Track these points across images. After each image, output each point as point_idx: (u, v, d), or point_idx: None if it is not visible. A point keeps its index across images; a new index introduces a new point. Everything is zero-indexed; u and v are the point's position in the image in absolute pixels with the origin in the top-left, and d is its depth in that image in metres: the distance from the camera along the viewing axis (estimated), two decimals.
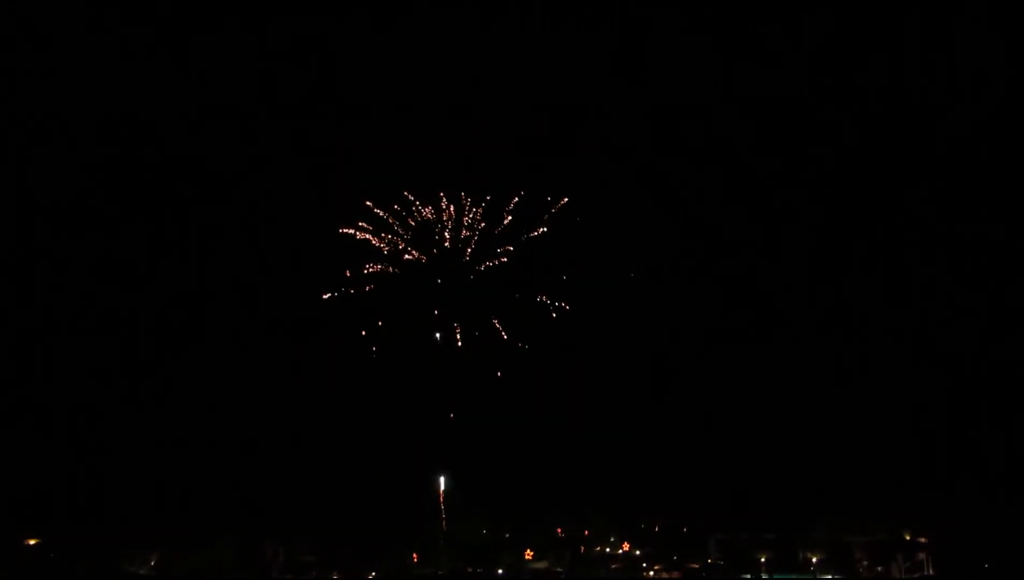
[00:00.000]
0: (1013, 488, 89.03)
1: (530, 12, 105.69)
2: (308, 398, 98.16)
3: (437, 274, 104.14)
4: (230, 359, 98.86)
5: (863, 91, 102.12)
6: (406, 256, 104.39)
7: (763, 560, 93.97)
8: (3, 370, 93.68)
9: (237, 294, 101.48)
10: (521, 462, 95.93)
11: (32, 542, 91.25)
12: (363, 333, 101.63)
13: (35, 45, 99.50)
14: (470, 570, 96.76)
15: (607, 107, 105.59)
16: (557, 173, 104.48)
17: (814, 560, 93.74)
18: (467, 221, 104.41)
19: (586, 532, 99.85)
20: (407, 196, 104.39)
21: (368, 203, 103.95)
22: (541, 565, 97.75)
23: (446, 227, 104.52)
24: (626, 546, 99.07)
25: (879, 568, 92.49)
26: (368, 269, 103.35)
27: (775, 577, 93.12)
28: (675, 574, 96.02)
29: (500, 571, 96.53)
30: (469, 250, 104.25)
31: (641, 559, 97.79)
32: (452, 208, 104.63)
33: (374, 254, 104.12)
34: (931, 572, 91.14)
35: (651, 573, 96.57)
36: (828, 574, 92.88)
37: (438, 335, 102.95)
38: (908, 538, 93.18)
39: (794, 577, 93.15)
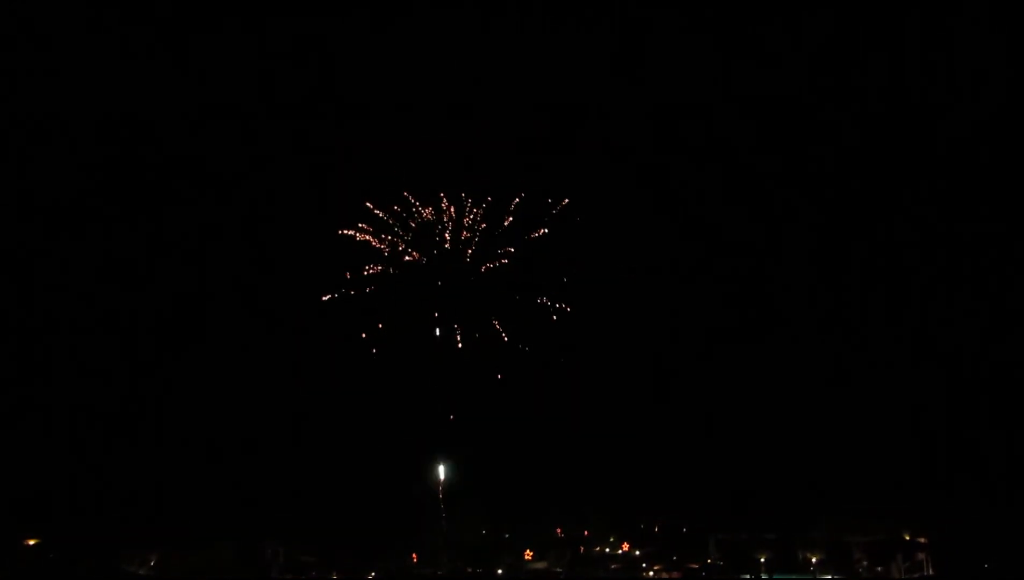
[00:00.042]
0: (1013, 488, 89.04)
1: (530, 12, 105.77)
2: (308, 398, 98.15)
3: (437, 275, 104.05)
4: (230, 359, 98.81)
5: (863, 91, 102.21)
6: (406, 257, 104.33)
7: (763, 560, 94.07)
8: (3, 370, 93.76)
9: (237, 294, 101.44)
10: (521, 462, 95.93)
11: (32, 542, 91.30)
12: (363, 335, 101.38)
13: (35, 45, 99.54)
14: (470, 570, 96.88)
15: (607, 107, 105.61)
16: (557, 173, 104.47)
17: (814, 560, 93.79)
18: (468, 222, 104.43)
19: (586, 532, 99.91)
20: (407, 197, 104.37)
21: (368, 204, 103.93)
22: (541, 565, 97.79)
23: (446, 228, 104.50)
24: (626, 546, 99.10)
25: (879, 568, 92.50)
26: (368, 270, 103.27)
27: (775, 577, 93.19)
28: (675, 574, 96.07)
29: (500, 571, 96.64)
30: (470, 251, 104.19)
31: (641, 559, 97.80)
32: (452, 209, 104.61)
33: (374, 255, 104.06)
34: (931, 572, 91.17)
35: (651, 573, 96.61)
36: (828, 574, 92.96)
37: (438, 333, 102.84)
38: (908, 538, 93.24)
39: (794, 577, 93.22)
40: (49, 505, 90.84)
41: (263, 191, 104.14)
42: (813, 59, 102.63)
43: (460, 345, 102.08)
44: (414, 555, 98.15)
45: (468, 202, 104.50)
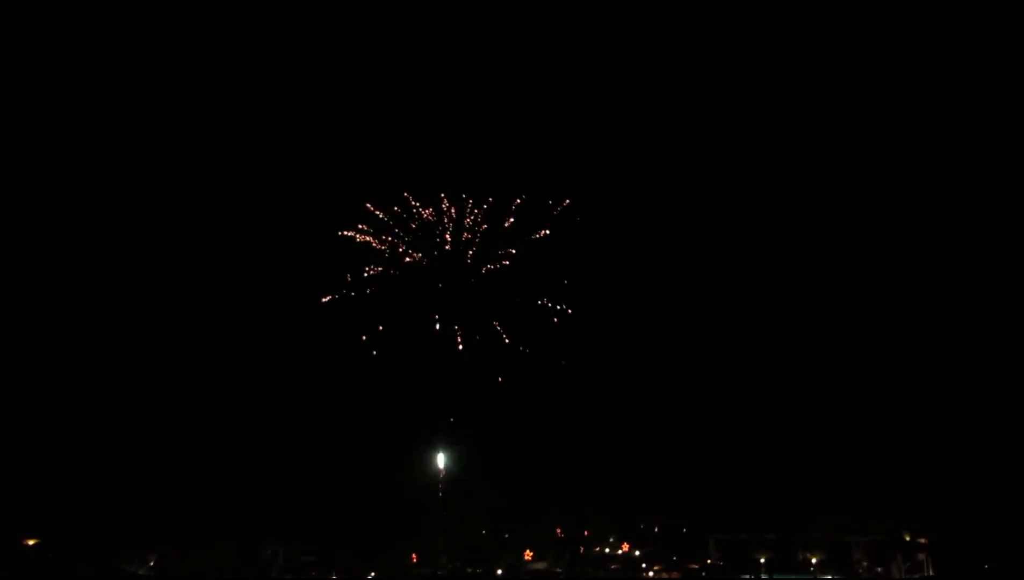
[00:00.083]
0: (1013, 488, 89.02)
1: (530, 12, 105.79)
2: (308, 399, 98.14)
3: (437, 276, 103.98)
4: (230, 360, 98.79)
5: (863, 91, 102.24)
6: (407, 258, 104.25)
7: (763, 560, 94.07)
8: (3, 370, 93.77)
9: (237, 294, 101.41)
10: (521, 462, 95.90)
11: (32, 542, 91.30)
12: (364, 338, 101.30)
13: (35, 45, 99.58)
14: (470, 570, 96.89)
15: (607, 107, 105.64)
16: (557, 173, 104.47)
17: (813, 560, 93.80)
18: (468, 223, 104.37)
19: (586, 532, 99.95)
20: (407, 197, 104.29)
21: (368, 205, 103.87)
22: (540, 565, 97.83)
23: (447, 229, 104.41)
24: (625, 546, 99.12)
25: (879, 568, 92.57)
26: (369, 271, 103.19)
27: (775, 577, 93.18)
28: (675, 574, 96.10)
29: (499, 571, 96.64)
30: (470, 252, 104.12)
31: (641, 559, 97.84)
32: (453, 209, 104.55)
33: (374, 255, 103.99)
34: (931, 572, 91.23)
35: (651, 573, 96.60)
36: (828, 574, 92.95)
37: (438, 335, 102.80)
38: (908, 538, 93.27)
39: (793, 577, 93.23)
40: (49, 505, 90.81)
41: (263, 191, 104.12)
42: (813, 59, 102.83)
43: (460, 346, 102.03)
44: (414, 555, 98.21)
45: (469, 203, 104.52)
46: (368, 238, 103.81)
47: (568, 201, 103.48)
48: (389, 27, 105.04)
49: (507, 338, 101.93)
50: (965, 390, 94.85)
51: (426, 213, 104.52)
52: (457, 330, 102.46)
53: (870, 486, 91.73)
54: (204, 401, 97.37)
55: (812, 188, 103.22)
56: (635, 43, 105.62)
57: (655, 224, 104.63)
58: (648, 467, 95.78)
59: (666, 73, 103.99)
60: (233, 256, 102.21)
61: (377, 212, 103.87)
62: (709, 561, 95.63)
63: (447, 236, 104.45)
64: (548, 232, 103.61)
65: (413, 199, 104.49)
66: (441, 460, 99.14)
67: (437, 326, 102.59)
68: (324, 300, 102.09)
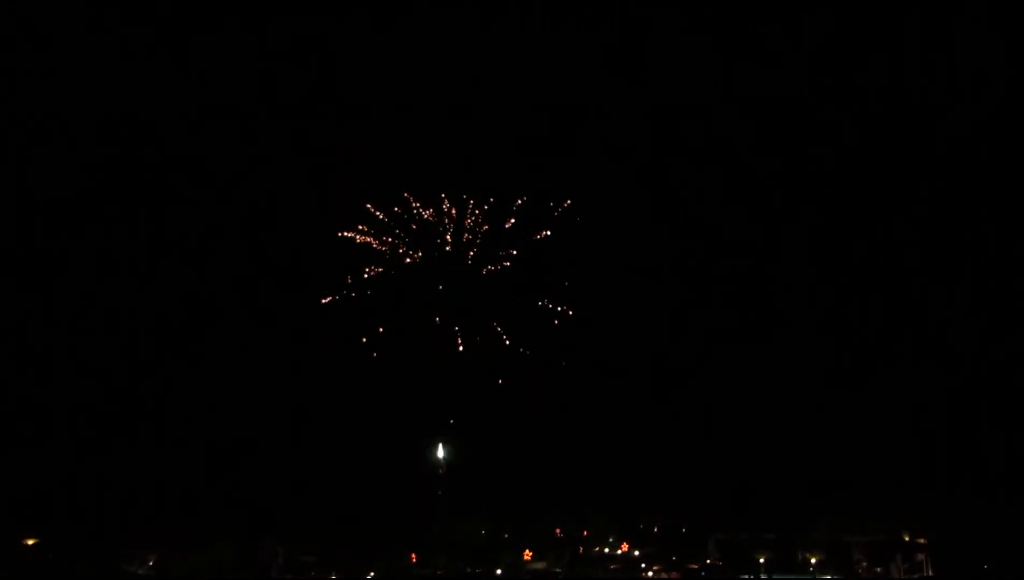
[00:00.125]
0: (1013, 488, 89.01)
1: (530, 12, 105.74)
2: (308, 399, 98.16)
3: (438, 276, 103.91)
4: (230, 360, 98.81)
5: (863, 91, 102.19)
6: (407, 259, 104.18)
7: (762, 560, 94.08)
8: (3, 370, 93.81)
9: (237, 294, 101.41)
10: (521, 462, 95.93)
11: (31, 542, 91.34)
12: (364, 340, 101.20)
13: (35, 45, 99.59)
14: (469, 570, 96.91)
15: (607, 107, 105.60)
16: (557, 173, 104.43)
17: (813, 561, 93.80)
18: (469, 224, 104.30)
19: (585, 532, 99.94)
20: (407, 197, 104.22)
21: (368, 206, 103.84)
22: (540, 565, 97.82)
23: (447, 229, 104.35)
24: (625, 546, 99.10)
25: (878, 569, 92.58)
26: (369, 272, 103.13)
27: (774, 577, 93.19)
28: (674, 574, 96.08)
29: (499, 571, 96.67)
30: (471, 253, 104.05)
31: (640, 559, 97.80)
32: (453, 210, 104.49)
33: (375, 256, 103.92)
34: (930, 573, 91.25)
35: (650, 573, 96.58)
36: (827, 574, 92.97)
37: (438, 333, 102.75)
38: (907, 538, 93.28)
39: (793, 577, 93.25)
40: (49, 505, 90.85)
41: (263, 191, 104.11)
42: (813, 59, 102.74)
43: (461, 347, 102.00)
44: (414, 555, 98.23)
45: (470, 204, 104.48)
46: (368, 239, 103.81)
47: (569, 202, 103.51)
48: (389, 27, 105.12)
49: (507, 339, 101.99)
50: (965, 390, 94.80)
51: (426, 214, 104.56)
52: (457, 331, 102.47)
53: (870, 486, 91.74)
54: (204, 401, 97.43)
55: (812, 188, 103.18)
56: (635, 43, 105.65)
57: (655, 224, 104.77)
58: (648, 467, 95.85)
59: (666, 73, 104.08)
60: (233, 256, 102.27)
61: (377, 213, 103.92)
62: (708, 561, 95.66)
63: (447, 237, 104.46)
64: (549, 233, 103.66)
65: (413, 200, 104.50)
66: (441, 451, 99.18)
67: (437, 327, 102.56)
68: (324, 301, 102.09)
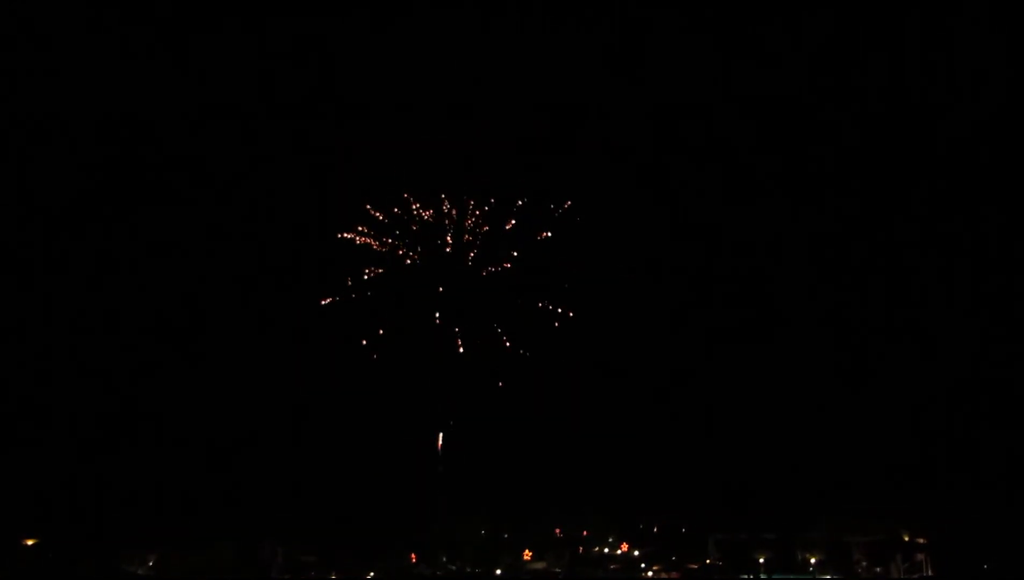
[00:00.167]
0: (1013, 488, 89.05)
1: (530, 12, 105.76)
2: (308, 399, 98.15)
3: (438, 277, 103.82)
4: (230, 360, 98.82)
5: (863, 91, 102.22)
6: (407, 261, 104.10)
7: (762, 560, 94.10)
8: (3, 370, 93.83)
9: (237, 294, 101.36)
10: (521, 462, 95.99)
11: (31, 542, 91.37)
12: (364, 342, 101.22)
13: (35, 45, 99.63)
14: (469, 570, 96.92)
15: (607, 107, 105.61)
16: (557, 173, 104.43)
17: (813, 560, 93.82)
18: (469, 225, 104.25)
19: (585, 532, 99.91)
20: (407, 198, 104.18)
21: (368, 207, 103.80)
22: (540, 565, 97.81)
23: (448, 230, 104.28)
24: (625, 546, 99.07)
25: (878, 568, 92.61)
26: (369, 273, 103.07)
27: (774, 577, 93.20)
28: (674, 574, 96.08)
29: (499, 571, 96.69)
30: (471, 254, 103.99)
31: (640, 559, 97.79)
32: (454, 211, 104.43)
33: (375, 257, 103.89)
34: (930, 572, 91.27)
35: (650, 573, 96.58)
36: (827, 574, 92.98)
37: (438, 334, 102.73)
38: (907, 538, 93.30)
39: (793, 577, 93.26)
40: (49, 505, 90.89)
41: (263, 191, 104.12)
42: (813, 59, 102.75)
43: (461, 349, 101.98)
44: (414, 555, 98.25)
45: (471, 204, 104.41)
46: (368, 240, 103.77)
47: (569, 202, 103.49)
48: (389, 27, 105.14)
49: (507, 340, 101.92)
50: (965, 390, 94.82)
51: (426, 214, 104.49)
52: (457, 331, 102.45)
53: (870, 486, 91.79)
54: (204, 401, 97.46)
55: (812, 188, 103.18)
56: (635, 43, 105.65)
57: (655, 224, 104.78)
58: (648, 467, 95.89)
59: (666, 73, 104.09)
60: (233, 256, 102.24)
61: (377, 214, 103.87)
62: (708, 561, 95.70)
63: (448, 238, 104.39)
64: (549, 234, 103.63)
65: (413, 200, 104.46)
66: (440, 441, 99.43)
67: (437, 327, 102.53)
68: (324, 302, 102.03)
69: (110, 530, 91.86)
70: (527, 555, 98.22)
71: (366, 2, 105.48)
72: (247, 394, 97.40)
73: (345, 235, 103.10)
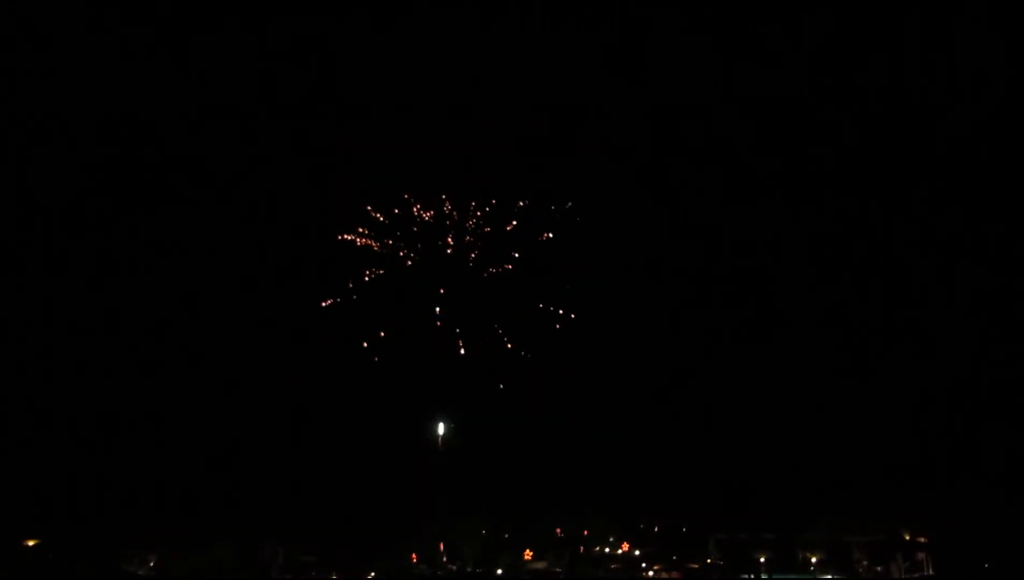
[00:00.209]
0: (1013, 488, 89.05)
1: (530, 12, 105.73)
2: (308, 399, 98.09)
3: (438, 278, 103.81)
4: (229, 360, 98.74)
5: (863, 91, 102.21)
6: (408, 262, 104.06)
7: (763, 560, 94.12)
8: (3, 370, 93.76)
9: (237, 294, 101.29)
10: (520, 462, 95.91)
11: (31, 542, 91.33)
12: (364, 344, 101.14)
13: (35, 45, 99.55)
14: (469, 570, 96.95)
15: (607, 107, 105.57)
16: (557, 173, 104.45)
17: (813, 560, 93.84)
18: (471, 225, 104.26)
19: (585, 532, 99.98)
20: (407, 198, 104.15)
21: (368, 208, 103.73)
22: (540, 565, 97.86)
23: (448, 231, 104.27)
24: (625, 546, 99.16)
25: (878, 568, 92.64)
26: (369, 274, 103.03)
27: (774, 577, 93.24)
28: (674, 574, 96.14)
29: (499, 571, 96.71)
30: (472, 255, 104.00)
31: (640, 559, 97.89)
32: (454, 212, 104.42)
33: (375, 258, 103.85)
34: (930, 572, 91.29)
35: (650, 573, 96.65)
36: (827, 574, 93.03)
37: (438, 335, 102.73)
38: (907, 538, 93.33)
39: (793, 577, 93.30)
40: (49, 505, 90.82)
41: (263, 191, 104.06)
42: (813, 59, 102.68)
43: (462, 350, 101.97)
44: (414, 555, 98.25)
45: (472, 205, 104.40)
46: (369, 241, 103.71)
47: (570, 203, 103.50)
48: (389, 27, 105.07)
49: (508, 341, 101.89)
50: (965, 389, 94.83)
51: (426, 215, 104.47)
52: (458, 332, 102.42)
53: (870, 486, 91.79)
54: (204, 401, 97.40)
55: (812, 188, 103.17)
56: (635, 43, 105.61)
57: (655, 224, 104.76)
58: (648, 467, 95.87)
59: (666, 73, 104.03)
60: (233, 256, 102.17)
61: (377, 215, 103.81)
62: (709, 561, 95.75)
63: (449, 239, 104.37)
64: (551, 235, 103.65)
65: (414, 201, 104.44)
66: (441, 429, 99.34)
67: (438, 328, 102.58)
68: (324, 304, 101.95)
69: (110, 530, 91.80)
70: (527, 555, 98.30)
71: (366, 2, 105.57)
72: (247, 394, 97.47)
73: (345, 236, 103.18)
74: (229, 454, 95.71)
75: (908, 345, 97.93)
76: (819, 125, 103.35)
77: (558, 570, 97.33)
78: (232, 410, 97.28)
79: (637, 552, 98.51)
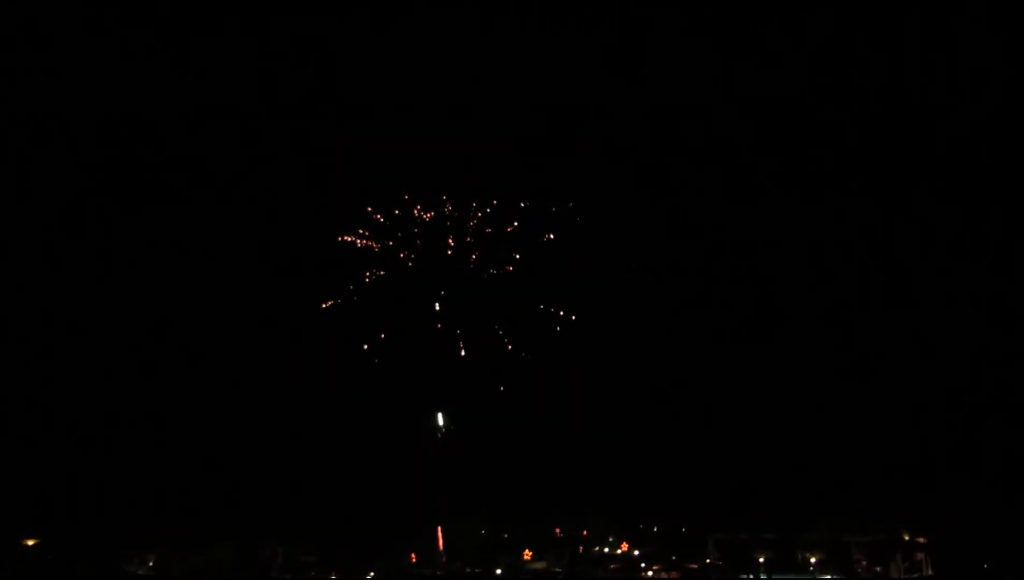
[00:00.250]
0: (1013, 488, 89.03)
1: (530, 12, 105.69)
2: (308, 399, 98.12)
3: (438, 279, 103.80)
4: (229, 359, 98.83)
5: (863, 91, 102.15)
6: (409, 263, 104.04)
7: (762, 560, 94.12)
8: (3, 370, 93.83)
9: (237, 294, 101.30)
10: (520, 463, 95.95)
11: (31, 542, 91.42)
12: (365, 347, 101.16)
13: (35, 45, 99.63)
14: (468, 570, 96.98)
15: (607, 107, 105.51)
16: (557, 173, 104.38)
17: (812, 560, 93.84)
18: (472, 226, 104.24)
19: (585, 532, 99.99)
20: (407, 199, 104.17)
21: (368, 209, 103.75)
22: (540, 565, 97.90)
23: (448, 232, 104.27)
24: (625, 546, 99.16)
25: (877, 568, 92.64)
26: (369, 276, 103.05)
27: (774, 577, 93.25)
28: (674, 574, 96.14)
29: (499, 571, 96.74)
30: (472, 256, 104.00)
31: (640, 559, 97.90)
32: (454, 212, 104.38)
33: (375, 258, 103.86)
34: (930, 572, 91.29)
35: (650, 573, 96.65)
36: (827, 574, 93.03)
37: (439, 336, 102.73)
38: (907, 538, 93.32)
39: (793, 577, 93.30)
40: (49, 505, 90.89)
41: (263, 191, 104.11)
42: (813, 59, 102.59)
43: (463, 351, 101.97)
44: (413, 555, 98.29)
45: (473, 205, 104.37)
46: (369, 242, 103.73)
47: (571, 204, 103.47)
48: (389, 27, 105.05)
49: (508, 342, 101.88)
50: (965, 389, 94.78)
51: (426, 216, 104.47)
52: (459, 333, 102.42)
53: (870, 486, 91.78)
54: (204, 401, 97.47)
55: (812, 188, 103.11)
56: (635, 43, 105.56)
57: (655, 224, 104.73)
58: (648, 467, 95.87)
59: (666, 73, 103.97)
60: (233, 256, 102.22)
61: (377, 216, 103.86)
62: (708, 561, 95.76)
63: (449, 240, 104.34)
64: (552, 236, 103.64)
65: (414, 201, 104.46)
66: (441, 419, 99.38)
67: (438, 329, 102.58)
68: (325, 305, 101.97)
69: (110, 530, 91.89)
70: (527, 555, 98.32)
71: (366, 2, 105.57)
72: (247, 394, 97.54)
73: (345, 237, 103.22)
74: (229, 454, 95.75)
75: (908, 345, 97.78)
76: (819, 125, 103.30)
77: (557, 570, 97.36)
78: (232, 410, 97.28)
79: (636, 552, 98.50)
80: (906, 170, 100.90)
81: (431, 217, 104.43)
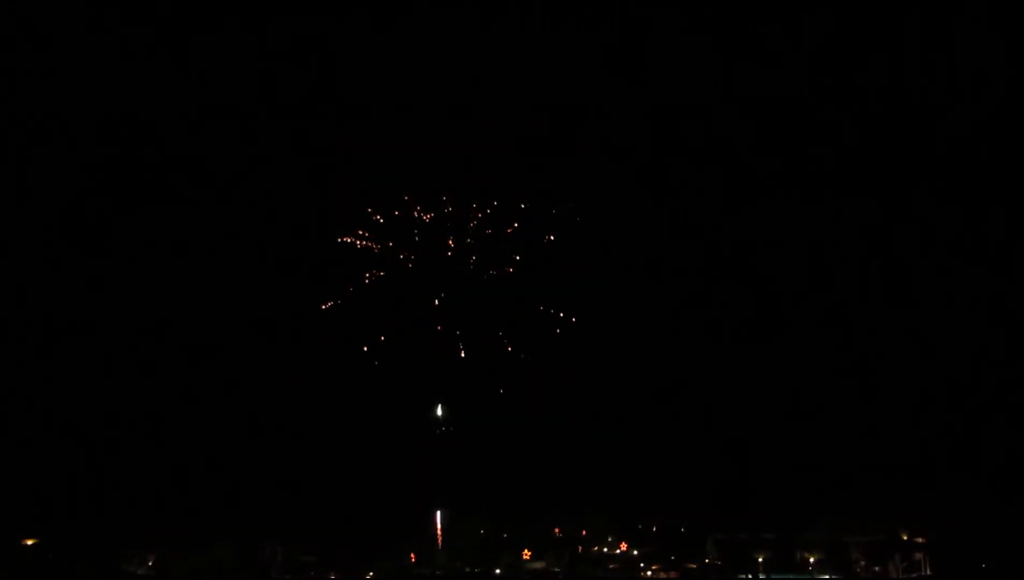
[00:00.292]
0: (1013, 488, 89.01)
1: (530, 12, 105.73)
2: (308, 399, 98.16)
3: (438, 280, 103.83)
4: (229, 359, 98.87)
5: (863, 91, 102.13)
6: (408, 264, 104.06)
7: (761, 560, 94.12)
8: (2, 370, 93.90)
9: (237, 294, 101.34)
10: (520, 463, 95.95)
11: (31, 542, 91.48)
12: (365, 348, 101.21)
13: (35, 45, 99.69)
14: (468, 570, 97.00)
15: (607, 107, 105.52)
16: (557, 173, 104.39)
17: (811, 560, 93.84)
18: (472, 226, 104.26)
19: (584, 532, 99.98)
20: (407, 199, 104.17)
21: (368, 209, 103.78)
22: (539, 565, 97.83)
23: (448, 233, 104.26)
24: (624, 546, 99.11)
25: (876, 568, 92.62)
26: (369, 276, 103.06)
27: (773, 577, 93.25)
28: (673, 574, 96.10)
29: (498, 571, 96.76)
30: (473, 257, 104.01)
31: (639, 559, 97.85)
32: (454, 213, 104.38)
33: (375, 259, 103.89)
34: (929, 572, 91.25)
35: (649, 573, 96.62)
36: (826, 574, 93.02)
37: (439, 337, 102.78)
38: (906, 538, 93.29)
39: (792, 577, 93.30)
40: (49, 505, 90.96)
41: (263, 191, 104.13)
42: (813, 59, 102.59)
43: (463, 352, 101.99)
44: (413, 555, 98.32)
45: (473, 206, 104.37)
46: (369, 243, 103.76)
47: (572, 204, 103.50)
48: (389, 27, 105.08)
49: (508, 343, 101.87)
50: (965, 389, 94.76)
51: (427, 217, 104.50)
52: (459, 334, 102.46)
53: (870, 486, 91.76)
54: (204, 401, 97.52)
55: (812, 188, 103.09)
56: (635, 43, 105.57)
57: (655, 224, 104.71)
58: (648, 467, 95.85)
59: (666, 73, 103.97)
60: (233, 257, 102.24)
61: (377, 216, 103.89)
62: (707, 561, 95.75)
63: (449, 241, 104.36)
64: (552, 237, 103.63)
65: (414, 201, 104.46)
66: (440, 410, 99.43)
67: (438, 330, 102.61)
68: (324, 306, 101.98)
69: (110, 530, 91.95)
70: (526, 555, 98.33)
71: (366, 2, 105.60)
72: (247, 394, 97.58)
73: (345, 238, 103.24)
74: (229, 454, 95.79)
75: (908, 345, 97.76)
76: (819, 125, 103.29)
77: (557, 570, 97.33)
78: (232, 410, 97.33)
79: (635, 552, 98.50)
80: (906, 170, 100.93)
81: (431, 218, 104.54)
